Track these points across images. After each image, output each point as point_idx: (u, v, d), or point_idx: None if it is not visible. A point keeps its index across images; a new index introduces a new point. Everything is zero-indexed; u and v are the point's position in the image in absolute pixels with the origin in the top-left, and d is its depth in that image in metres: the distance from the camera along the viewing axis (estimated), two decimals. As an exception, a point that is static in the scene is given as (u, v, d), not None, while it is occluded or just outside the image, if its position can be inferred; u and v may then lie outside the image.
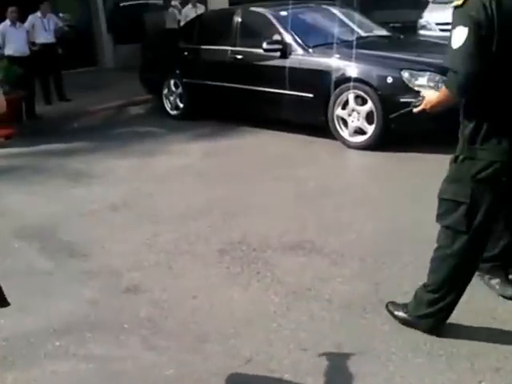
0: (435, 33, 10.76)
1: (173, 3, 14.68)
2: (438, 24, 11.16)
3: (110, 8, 15.86)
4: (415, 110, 3.21)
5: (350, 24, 8.11)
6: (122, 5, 16.28)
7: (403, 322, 3.26)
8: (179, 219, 5.04)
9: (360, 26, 8.09)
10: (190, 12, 13.34)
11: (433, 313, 3.10)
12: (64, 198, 5.88)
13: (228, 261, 4.20)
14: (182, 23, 13.43)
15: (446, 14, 9.09)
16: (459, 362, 2.93)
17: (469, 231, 2.87)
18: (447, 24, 8.58)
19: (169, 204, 5.47)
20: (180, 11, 14.12)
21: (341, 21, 8.12)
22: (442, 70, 6.35)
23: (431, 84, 6.26)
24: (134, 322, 3.49)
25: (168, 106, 9.36)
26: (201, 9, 13.47)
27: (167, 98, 9.33)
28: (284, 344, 3.17)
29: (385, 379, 2.85)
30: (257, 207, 5.20)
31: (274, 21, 7.69)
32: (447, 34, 2.81)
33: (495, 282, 3.48)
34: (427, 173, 5.56)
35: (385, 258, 4.06)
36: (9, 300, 2.60)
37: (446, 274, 3.00)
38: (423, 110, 3.13)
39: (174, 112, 9.29)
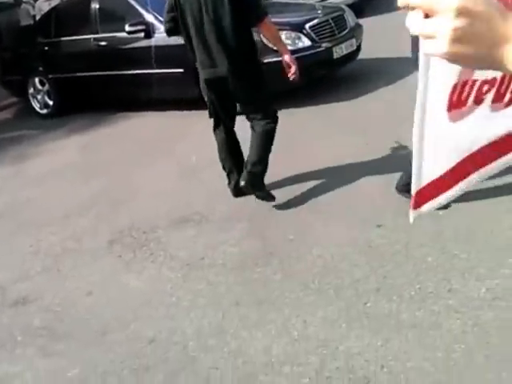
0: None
1: (25, -1, 14.28)
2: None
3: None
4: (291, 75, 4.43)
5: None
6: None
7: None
8: (63, 219, 5.10)
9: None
10: (43, 5, 13.02)
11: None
12: None
13: (119, 249, 4.35)
14: (37, 18, 13.12)
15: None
16: (345, 291, 3.28)
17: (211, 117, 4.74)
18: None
19: (50, 206, 5.50)
20: (33, 6, 13.76)
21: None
22: (295, 27, 6.80)
23: (289, 41, 6.63)
24: (28, 333, 3.57)
25: (36, 106, 9.21)
26: (55, 1, 13.17)
27: (34, 97, 9.17)
28: (185, 315, 3.40)
29: (282, 323, 3.15)
30: (142, 191, 5.36)
31: (133, 2, 7.75)
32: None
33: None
34: (295, 126, 5.88)
35: (269, 214, 4.37)
36: None
37: None
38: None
39: (43, 111, 9.15)
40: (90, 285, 3.95)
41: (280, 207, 4.44)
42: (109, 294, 3.81)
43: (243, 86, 4.36)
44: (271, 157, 4.47)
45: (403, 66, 7.14)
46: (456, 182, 2.55)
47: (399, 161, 4.48)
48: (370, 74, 7.24)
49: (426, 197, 2.56)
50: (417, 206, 2.52)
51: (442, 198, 2.57)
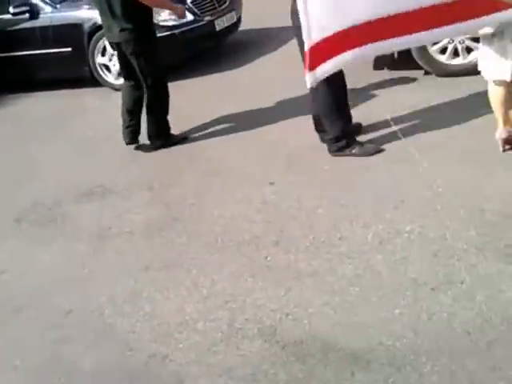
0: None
1: None
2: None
3: None
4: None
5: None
6: None
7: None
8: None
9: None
10: None
11: None
12: None
13: (26, 227, 4.03)
14: None
15: None
16: (246, 247, 3.19)
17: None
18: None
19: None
20: None
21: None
22: (178, 2, 6.46)
23: (173, 17, 6.34)
24: None
25: None
26: None
27: None
28: (98, 284, 3.20)
29: (192, 282, 3.02)
30: (41, 168, 4.95)
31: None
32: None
33: None
34: (187, 96, 5.69)
35: (169, 182, 4.19)
36: None
37: None
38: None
39: None
40: (3, 264, 3.62)
41: (178, 174, 4.28)
42: (22, 271, 3.51)
43: (131, 52, 4.45)
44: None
45: (282, 35, 7.12)
46: (343, 49, 2.48)
47: (290, 119, 4.53)
48: (253, 44, 7.13)
49: (317, 59, 2.48)
50: (311, 66, 2.43)
51: (331, 64, 2.50)
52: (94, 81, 6.80)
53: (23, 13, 6.92)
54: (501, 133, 3.47)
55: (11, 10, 6.90)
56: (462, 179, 3.32)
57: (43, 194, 4.42)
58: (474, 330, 2.31)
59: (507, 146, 3.49)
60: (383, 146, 3.86)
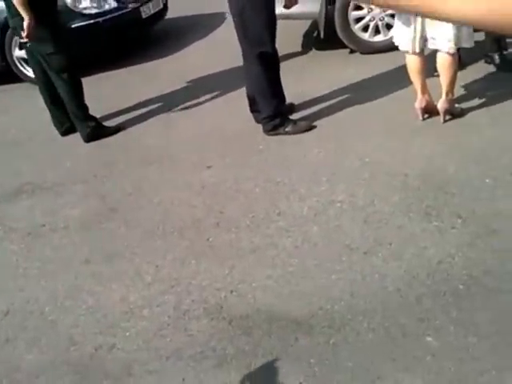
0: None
1: None
2: None
3: None
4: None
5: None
6: None
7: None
8: None
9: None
10: None
11: None
12: None
13: None
14: None
15: None
16: (188, 231, 3.36)
17: None
18: None
19: None
20: None
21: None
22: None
23: (95, 4, 6.41)
24: None
25: None
26: None
27: None
28: (35, 283, 3.26)
29: (135, 271, 3.15)
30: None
31: None
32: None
33: None
34: (116, 87, 5.77)
35: (103, 173, 4.29)
36: None
37: None
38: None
39: None
40: None
41: (113, 165, 4.38)
42: None
43: (35, 38, 4.53)
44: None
45: (211, 22, 7.29)
46: None
47: (224, 104, 4.72)
48: (182, 31, 7.23)
49: None
50: None
51: None
52: (12, 76, 6.76)
53: None
54: (420, 102, 3.77)
55: None
56: (386, 148, 3.60)
57: (-32, 196, 4.44)
58: (403, 286, 2.57)
59: (426, 115, 3.81)
60: (315, 123, 4.09)
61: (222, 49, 6.13)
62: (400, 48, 3.72)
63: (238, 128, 4.35)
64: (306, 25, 5.91)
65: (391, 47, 4.64)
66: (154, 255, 3.25)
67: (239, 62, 5.19)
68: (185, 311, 2.81)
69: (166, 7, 7.29)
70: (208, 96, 5.10)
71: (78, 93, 4.78)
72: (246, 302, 2.76)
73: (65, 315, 2.98)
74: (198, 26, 7.23)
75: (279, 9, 4.12)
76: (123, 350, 2.68)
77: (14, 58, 6.66)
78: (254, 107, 4.21)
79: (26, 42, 4.64)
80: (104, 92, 5.18)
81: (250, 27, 3.85)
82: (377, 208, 3.09)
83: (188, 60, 6.24)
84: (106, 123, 4.96)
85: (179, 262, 3.15)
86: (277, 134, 4.02)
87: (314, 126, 4.04)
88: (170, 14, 7.38)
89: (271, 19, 3.94)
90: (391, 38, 4.72)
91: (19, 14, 4.50)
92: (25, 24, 4.42)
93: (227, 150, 4.13)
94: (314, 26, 5.72)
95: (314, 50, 5.46)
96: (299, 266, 2.87)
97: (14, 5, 4.47)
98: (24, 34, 4.47)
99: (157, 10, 7.03)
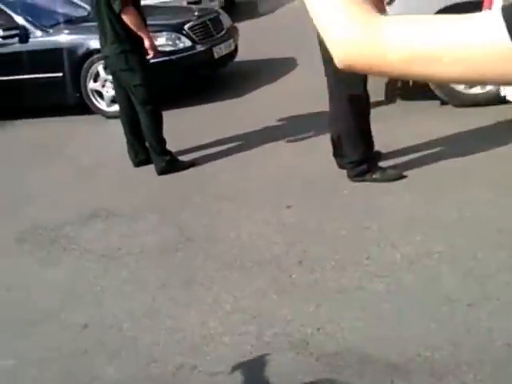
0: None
1: None
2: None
3: None
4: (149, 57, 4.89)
5: (77, 1, 8.12)
6: None
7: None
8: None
9: (86, 2, 8.10)
10: None
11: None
12: None
13: (29, 248, 4.15)
14: None
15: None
16: (268, 266, 3.37)
17: None
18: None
19: None
20: None
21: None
22: (175, 29, 6.86)
23: (170, 42, 6.69)
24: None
25: None
26: None
27: None
28: (113, 301, 3.34)
29: (213, 300, 3.17)
30: (38, 192, 5.10)
31: (4, 7, 7.39)
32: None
33: None
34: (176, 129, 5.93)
35: (178, 204, 4.38)
36: None
37: None
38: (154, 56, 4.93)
39: None
40: (8, 281, 3.74)
41: (187, 197, 4.47)
42: (29, 289, 3.63)
43: (120, 68, 4.85)
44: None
45: (280, 66, 7.48)
46: None
47: (301, 145, 4.84)
48: (250, 75, 7.44)
49: None
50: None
51: None
52: (85, 108, 7.00)
53: (13, 36, 7.17)
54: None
55: (0, 33, 7.15)
56: (486, 202, 3.57)
57: (43, 217, 4.55)
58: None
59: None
60: (404, 173, 4.10)
61: (292, 93, 6.30)
62: (509, 98, 3.62)
63: (318, 171, 4.40)
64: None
65: (489, 101, 4.64)
66: (232, 286, 3.27)
67: (311, 106, 5.38)
68: (268, 343, 2.80)
69: (236, 49, 7.54)
70: (283, 137, 5.19)
71: (158, 126, 4.93)
72: (334, 340, 2.74)
73: (144, 333, 3.02)
74: (268, 70, 7.44)
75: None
76: (205, 372, 2.69)
77: (88, 90, 6.91)
78: (337, 151, 4.26)
79: (147, 61, 4.90)
80: (178, 128, 5.32)
81: None
82: (481, 262, 3.06)
83: (259, 101, 6.40)
84: (180, 158, 5.06)
85: (260, 294, 3.16)
86: (363, 181, 4.05)
87: (404, 176, 4.05)
88: (238, 56, 7.61)
89: None
90: (488, 91, 4.73)
91: (115, 43, 4.76)
92: (146, 43, 4.77)
93: (308, 191, 4.18)
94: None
95: (399, 99, 5.51)
96: (392, 311, 2.85)
97: (113, 32, 4.73)
98: (150, 55, 4.85)
99: (228, 51, 7.27)
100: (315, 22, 0.84)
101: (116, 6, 4.69)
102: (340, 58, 0.82)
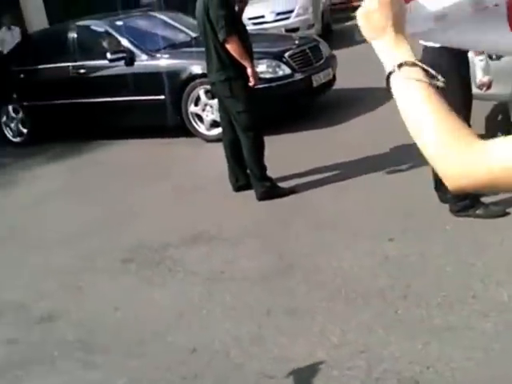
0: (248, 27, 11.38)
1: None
2: (249, 19, 11.75)
3: None
4: (251, 84, 4.94)
5: (181, 26, 8.43)
6: None
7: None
8: (69, 240, 5.00)
9: (190, 27, 8.39)
10: (5, 35, 12.83)
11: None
12: None
13: (135, 267, 4.32)
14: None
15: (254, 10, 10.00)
16: (373, 299, 3.37)
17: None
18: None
19: (50, 229, 5.37)
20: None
21: (171, 24, 8.45)
22: (275, 56, 6.98)
23: (270, 70, 6.81)
24: (63, 347, 3.49)
25: (9, 134, 8.99)
26: (16, 31, 12.98)
27: (7, 125, 8.96)
28: (220, 325, 3.41)
29: (319, 330, 3.19)
30: (143, 212, 5.33)
31: (113, 31, 7.80)
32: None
33: None
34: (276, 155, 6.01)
35: (279, 231, 4.45)
36: None
37: None
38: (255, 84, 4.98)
39: (16, 139, 8.95)
40: (115, 301, 3.89)
41: (287, 224, 4.53)
42: (136, 309, 3.77)
43: (225, 94, 5.02)
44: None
45: (379, 95, 7.47)
46: None
47: (400, 176, 4.87)
48: (347, 103, 7.47)
49: None
50: None
51: None
52: (184, 131, 7.23)
53: (119, 59, 7.53)
54: None
55: (108, 55, 7.53)
56: None
57: (147, 237, 4.74)
58: None
59: None
60: (508, 210, 4.01)
61: (391, 122, 6.20)
62: None
63: (419, 204, 4.36)
64: (488, 107, 5.84)
65: None
66: (337, 317, 3.29)
67: (411, 138, 5.30)
68: (377, 379, 2.80)
69: (334, 78, 7.59)
70: (383, 167, 5.17)
71: (259, 152, 5.03)
72: (444, 380, 2.71)
73: (251, 360, 3.07)
74: (366, 98, 7.43)
75: (473, 89, 4.18)
76: (316, 405, 2.71)
77: (189, 114, 7.14)
78: (439, 185, 4.21)
79: (251, 88, 4.98)
80: (278, 154, 5.41)
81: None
82: None
83: (357, 130, 6.41)
84: (280, 184, 5.14)
85: (366, 329, 3.16)
86: (466, 216, 3.99)
87: (508, 213, 3.97)
88: (337, 84, 7.66)
89: (468, 99, 3.98)
90: None
91: (220, 70, 4.92)
92: (249, 71, 4.88)
93: (409, 224, 4.15)
94: (498, 109, 5.68)
95: (500, 134, 5.40)
96: (503, 351, 2.79)
97: (218, 60, 4.90)
98: (252, 83, 4.93)
99: (327, 79, 7.35)
100: (413, 135, 0.91)
101: (220, 35, 4.85)
102: (452, 185, 0.88)
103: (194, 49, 7.26)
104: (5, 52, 11.76)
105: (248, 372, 3.00)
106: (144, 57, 7.50)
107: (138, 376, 3.13)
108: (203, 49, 5.84)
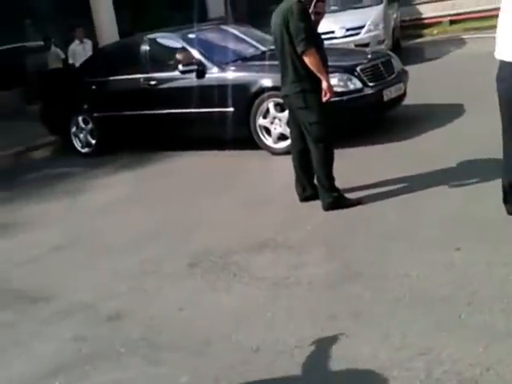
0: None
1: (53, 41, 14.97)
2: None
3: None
4: (325, 99, 5.17)
5: (251, 40, 8.86)
6: (-4, 50, 16.24)
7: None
8: (135, 245, 5.42)
9: (260, 41, 8.82)
10: (77, 48, 13.64)
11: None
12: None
13: (200, 272, 4.64)
14: (70, 60, 13.72)
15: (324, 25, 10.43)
16: (437, 306, 3.57)
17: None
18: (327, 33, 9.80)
19: (118, 234, 5.81)
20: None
21: (242, 38, 8.89)
22: (347, 70, 7.26)
23: (341, 83, 7.08)
24: (129, 345, 3.80)
25: (78, 145, 9.59)
26: (88, 44, 13.78)
27: (76, 136, 9.57)
28: (284, 327, 3.67)
29: (382, 333, 3.42)
30: (208, 220, 5.70)
31: (185, 44, 8.29)
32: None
33: None
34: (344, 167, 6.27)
35: (344, 240, 4.71)
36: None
37: None
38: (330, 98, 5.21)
39: (85, 150, 9.54)
40: (180, 302, 4.22)
41: (353, 234, 4.78)
42: (201, 310, 4.07)
43: (299, 107, 5.28)
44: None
45: (448, 111, 7.67)
46: None
47: (469, 188, 5.08)
48: (417, 118, 7.69)
49: None
50: None
51: None
52: (251, 143, 7.59)
53: (191, 72, 8.00)
54: None
55: (180, 67, 8.02)
56: None
57: (213, 244, 5.08)
58: None
59: None
60: None
61: (460, 138, 6.54)
62: None
63: (487, 216, 4.54)
64: None
65: None
66: (400, 322, 3.50)
67: (479, 153, 5.72)
68: (437, 379, 3.00)
69: (405, 93, 7.82)
70: (450, 181, 5.38)
71: (329, 163, 5.30)
72: (505, 382, 2.89)
73: (314, 361, 3.31)
74: (435, 114, 7.64)
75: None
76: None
77: (257, 126, 7.50)
78: (508, 198, 4.38)
79: (326, 101, 5.22)
80: (345, 166, 5.68)
81: None
82: None
83: (426, 145, 6.64)
84: (347, 196, 5.40)
85: (428, 333, 3.36)
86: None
87: None
88: (406, 100, 7.90)
89: None
90: None
91: (295, 82, 5.22)
92: (324, 85, 5.13)
93: (477, 235, 4.33)
94: None
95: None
96: None
97: (294, 72, 5.20)
98: (326, 97, 5.17)
99: (398, 94, 7.59)
100: None
101: (300, 48, 5.10)
102: None
103: (264, 62, 7.67)
104: (77, 64, 12.57)
105: (312, 373, 3.25)
106: (215, 69, 7.93)
107: (202, 373, 3.40)
108: (274, 62, 6.27)
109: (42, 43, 15.78)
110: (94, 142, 9.42)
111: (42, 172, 9.12)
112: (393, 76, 7.62)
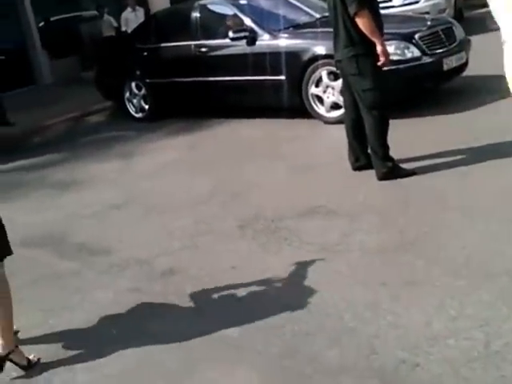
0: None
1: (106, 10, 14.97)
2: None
3: (41, 23, 15.90)
4: (380, 63, 4.90)
5: (304, 7, 8.57)
6: (52, 19, 16.35)
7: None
8: (187, 206, 5.36)
9: (313, 8, 8.53)
10: (129, 15, 13.60)
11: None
12: (55, 206, 6.12)
13: (251, 234, 4.53)
14: (123, 28, 13.69)
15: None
16: (498, 278, 3.36)
17: None
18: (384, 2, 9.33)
19: (171, 195, 5.77)
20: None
21: (295, 5, 8.59)
22: (404, 37, 6.92)
23: (398, 51, 6.78)
24: (183, 298, 3.78)
25: (132, 110, 9.59)
26: (140, 11, 13.72)
27: (130, 101, 9.55)
28: (333, 291, 3.53)
29: (437, 302, 3.23)
30: (258, 185, 5.56)
31: (236, 10, 8.10)
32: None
33: None
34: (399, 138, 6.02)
35: (397, 210, 4.51)
36: (47, 302, 2.80)
37: None
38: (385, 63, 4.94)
39: (139, 115, 9.52)
40: (232, 260, 4.13)
41: (406, 204, 4.58)
42: (252, 269, 3.97)
43: (352, 73, 5.05)
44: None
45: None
46: None
47: None
48: (477, 90, 7.34)
49: None
50: None
51: None
52: (303, 112, 7.39)
53: (241, 38, 7.80)
54: None
55: (231, 34, 7.83)
56: None
57: (263, 208, 4.94)
58: None
59: None
60: None
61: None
62: None
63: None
64: None
65: None
66: (457, 292, 3.30)
67: None
68: (496, 352, 2.80)
69: (467, 62, 7.40)
70: (507, 155, 5.09)
71: (383, 131, 5.06)
72: None
73: (364, 325, 3.17)
74: (496, 87, 7.25)
75: None
76: (427, 371, 2.76)
77: (309, 95, 7.28)
78: None
79: (379, 67, 4.97)
80: (401, 137, 5.45)
81: None
82: None
83: (485, 118, 6.31)
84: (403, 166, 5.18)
85: (487, 304, 3.16)
86: None
87: None
88: (467, 71, 7.54)
89: None
90: None
91: (348, 46, 4.98)
92: (378, 49, 4.86)
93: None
94: None
95: None
96: None
97: (347, 36, 4.96)
98: (381, 61, 4.90)
99: (459, 63, 7.17)
100: None
101: (352, 9, 4.84)
102: None
103: (317, 29, 7.41)
104: (129, 31, 12.52)
105: (361, 335, 3.09)
106: (266, 36, 7.71)
107: (252, 329, 3.31)
108: (327, 29, 5.97)
109: (95, 12, 15.82)
110: (146, 107, 9.38)
111: (98, 135, 9.27)
112: (454, 44, 7.19)
